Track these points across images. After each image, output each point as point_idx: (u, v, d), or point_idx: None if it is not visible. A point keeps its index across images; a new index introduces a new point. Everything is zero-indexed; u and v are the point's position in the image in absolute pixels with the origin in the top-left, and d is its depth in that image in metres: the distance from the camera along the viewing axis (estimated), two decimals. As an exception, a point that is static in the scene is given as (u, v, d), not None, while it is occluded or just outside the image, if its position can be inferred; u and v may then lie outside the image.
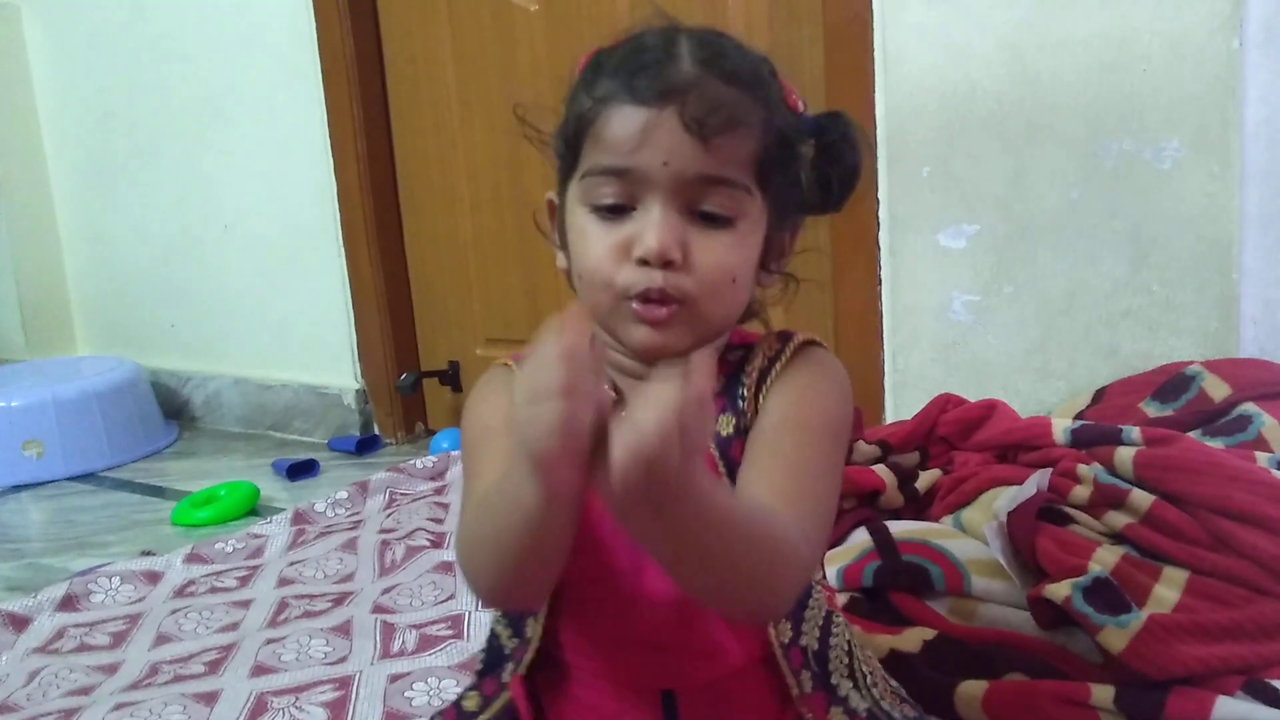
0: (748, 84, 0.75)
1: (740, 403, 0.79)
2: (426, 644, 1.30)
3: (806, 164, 0.81)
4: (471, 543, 0.72)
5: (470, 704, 0.86)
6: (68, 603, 1.51)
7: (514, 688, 0.82)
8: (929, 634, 1.10)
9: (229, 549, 1.69)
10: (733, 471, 0.78)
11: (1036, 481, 1.22)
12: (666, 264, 0.73)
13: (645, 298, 0.74)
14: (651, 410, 0.55)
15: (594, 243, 0.76)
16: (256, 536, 1.73)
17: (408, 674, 1.23)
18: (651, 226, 0.73)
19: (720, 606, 0.71)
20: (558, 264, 0.83)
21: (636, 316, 0.75)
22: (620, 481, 0.55)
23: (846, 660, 0.85)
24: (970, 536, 1.25)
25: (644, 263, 0.74)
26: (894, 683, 0.91)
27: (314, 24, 2.27)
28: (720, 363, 0.82)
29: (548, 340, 0.57)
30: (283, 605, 1.47)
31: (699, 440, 0.56)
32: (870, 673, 0.87)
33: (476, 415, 0.82)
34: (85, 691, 1.26)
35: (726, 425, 0.79)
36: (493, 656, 0.88)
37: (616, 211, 0.75)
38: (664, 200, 0.74)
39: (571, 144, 0.78)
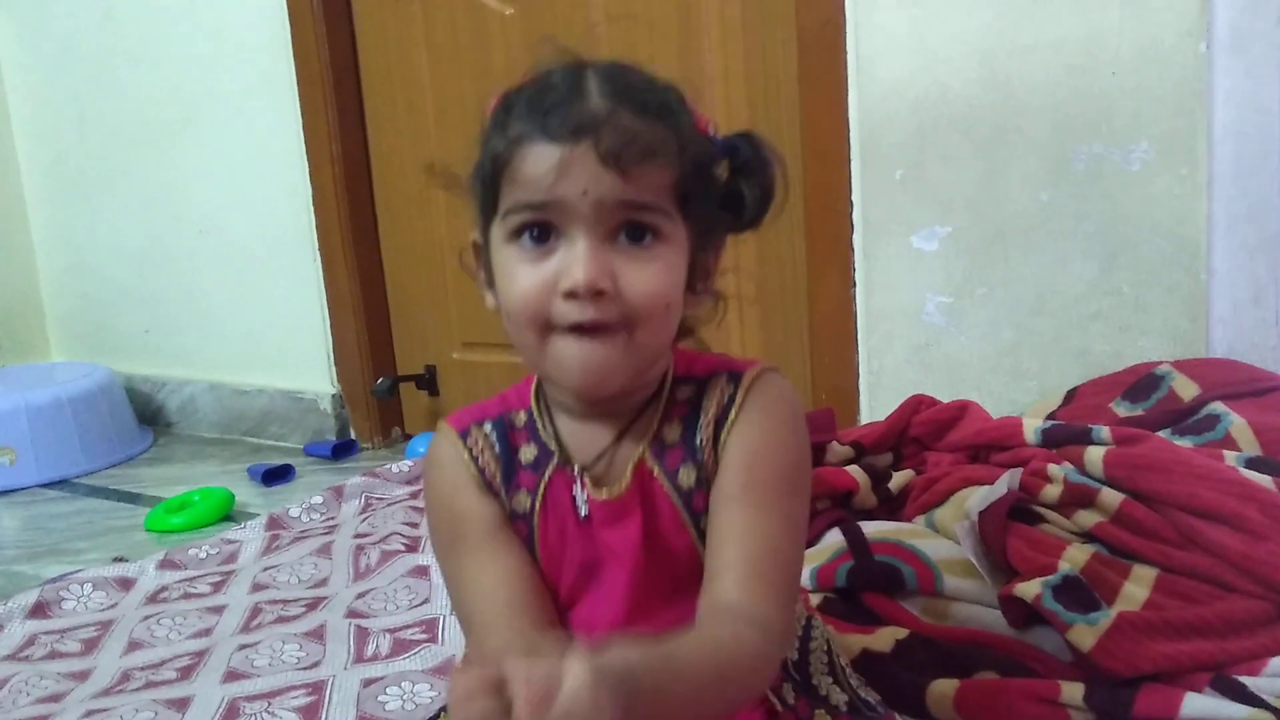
0: (659, 114, 0.75)
1: (699, 454, 0.79)
2: (400, 648, 1.29)
3: (722, 185, 0.81)
4: None
5: None
6: (39, 610, 1.50)
7: None
8: (901, 633, 1.11)
9: (203, 555, 1.68)
10: (698, 523, 0.79)
11: (1008, 481, 1.23)
12: (597, 294, 0.72)
13: (579, 330, 0.74)
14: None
15: (520, 280, 0.75)
16: (230, 542, 1.72)
17: (381, 679, 1.22)
18: (578, 260, 0.72)
19: None
20: (487, 304, 0.82)
21: (569, 358, 0.74)
22: None
23: (825, 658, 0.86)
24: (942, 536, 1.26)
25: (572, 295, 0.73)
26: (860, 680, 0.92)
27: (288, 28, 2.26)
28: (672, 404, 0.81)
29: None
30: (256, 610, 1.46)
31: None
32: (846, 665, 0.89)
33: (446, 510, 0.82)
34: (56, 699, 1.25)
35: (688, 477, 0.79)
36: None
37: (540, 240, 0.74)
38: (587, 230, 0.73)
39: (489, 184, 0.77)
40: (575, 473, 0.80)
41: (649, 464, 0.80)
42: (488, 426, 0.84)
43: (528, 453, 0.82)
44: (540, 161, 0.72)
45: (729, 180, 0.81)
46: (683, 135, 0.76)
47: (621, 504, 0.79)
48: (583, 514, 0.80)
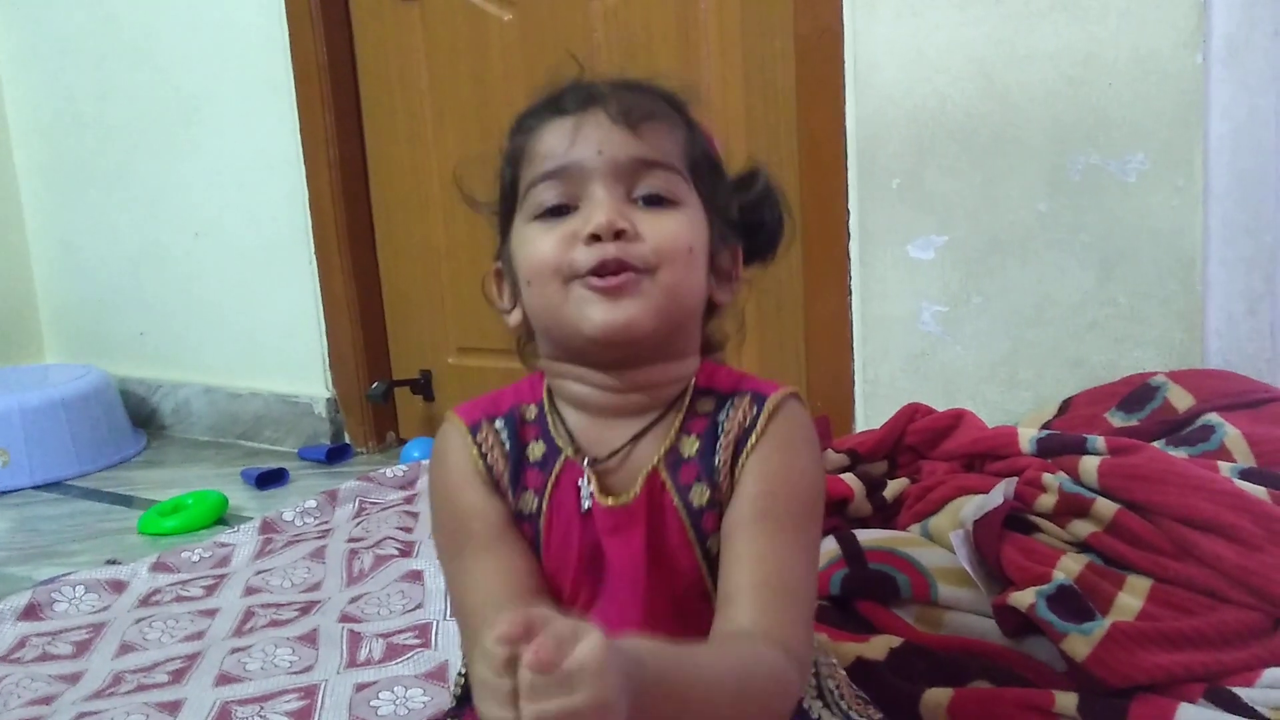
0: (664, 97, 0.81)
1: (716, 475, 0.78)
2: (393, 653, 1.29)
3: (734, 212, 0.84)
4: None
5: None
6: (30, 611, 1.49)
7: None
8: (895, 642, 1.11)
9: (195, 558, 1.67)
10: (704, 541, 0.78)
11: (1002, 490, 1.23)
12: (618, 234, 0.74)
13: (601, 270, 0.74)
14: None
15: (540, 241, 0.77)
16: (224, 545, 1.72)
17: (374, 683, 1.22)
18: (597, 205, 0.75)
19: None
20: (509, 323, 0.84)
21: (593, 292, 0.75)
22: None
23: (814, 681, 0.85)
24: (937, 545, 1.26)
25: (595, 239, 0.74)
26: (856, 689, 0.91)
27: (287, 31, 2.26)
28: (691, 416, 0.80)
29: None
30: (249, 614, 1.46)
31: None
32: (837, 686, 0.88)
33: (450, 506, 0.81)
34: (46, 701, 1.25)
35: (700, 495, 0.78)
36: (467, 694, 0.87)
37: (560, 212, 0.77)
38: (605, 185, 0.76)
39: (509, 186, 0.80)
40: (584, 465, 0.79)
41: (662, 475, 0.79)
42: (499, 423, 0.83)
43: (535, 450, 0.81)
44: (556, 132, 0.78)
45: (741, 211, 0.85)
46: (690, 121, 0.81)
47: (628, 512, 0.78)
48: (584, 507, 0.78)
